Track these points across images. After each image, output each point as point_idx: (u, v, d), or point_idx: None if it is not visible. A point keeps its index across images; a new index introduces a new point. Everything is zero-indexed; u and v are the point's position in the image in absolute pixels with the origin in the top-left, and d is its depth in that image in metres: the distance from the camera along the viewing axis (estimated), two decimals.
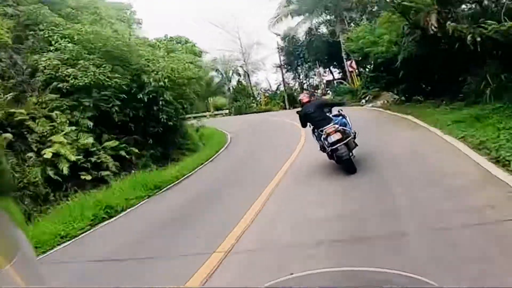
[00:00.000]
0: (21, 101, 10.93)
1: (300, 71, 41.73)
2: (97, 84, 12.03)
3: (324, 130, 7.42)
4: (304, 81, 41.83)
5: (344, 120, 7.89)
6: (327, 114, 7.91)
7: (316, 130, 7.87)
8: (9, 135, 9.63)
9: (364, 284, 0.98)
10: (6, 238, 0.63)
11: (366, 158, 8.08)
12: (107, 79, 12.21)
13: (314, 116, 7.72)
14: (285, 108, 35.48)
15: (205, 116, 33.16)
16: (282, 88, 40.61)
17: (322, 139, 7.59)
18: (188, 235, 6.05)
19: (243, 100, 39.57)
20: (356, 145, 7.85)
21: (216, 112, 41.17)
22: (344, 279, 1.01)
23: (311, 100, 8.30)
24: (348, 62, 28.21)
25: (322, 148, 7.97)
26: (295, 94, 33.48)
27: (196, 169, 12.58)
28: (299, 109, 8.38)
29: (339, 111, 8.22)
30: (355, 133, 7.89)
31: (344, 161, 7.40)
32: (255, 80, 46.60)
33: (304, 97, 8.40)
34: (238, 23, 69.04)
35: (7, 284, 0.59)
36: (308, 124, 8.04)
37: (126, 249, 6.10)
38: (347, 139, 7.37)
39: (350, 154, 7.51)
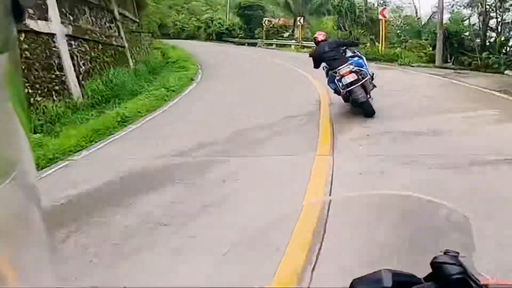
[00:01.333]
0: None
1: None
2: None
3: (338, 71, 7.11)
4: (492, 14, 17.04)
5: (360, 60, 7.54)
6: (343, 54, 7.54)
7: (330, 72, 7.51)
8: None
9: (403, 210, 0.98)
10: (9, 144, 0.55)
11: None
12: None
13: (330, 55, 7.34)
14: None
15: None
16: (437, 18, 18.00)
17: (336, 80, 7.25)
18: None
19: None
20: (374, 86, 7.53)
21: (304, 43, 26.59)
22: (383, 203, 1.01)
23: (327, 39, 7.94)
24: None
25: (337, 91, 7.64)
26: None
27: None
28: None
29: (354, 52, 7.88)
30: (373, 74, 7.56)
31: (360, 104, 7.14)
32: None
33: (319, 35, 8.00)
34: None
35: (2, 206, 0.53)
36: (322, 65, 7.71)
37: None
38: (364, 80, 7.08)
39: (368, 96, 7.22)
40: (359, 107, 7.24)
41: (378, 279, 0.67)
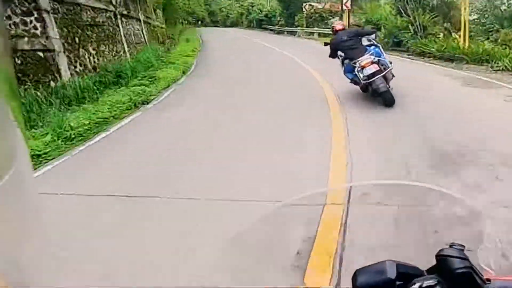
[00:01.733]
0: None
1: None
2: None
3: (358, 62, 6.97)
4: None
5: (377, 49, 7.31)
6: (360, 43, 7.33)
7: (346, 61, 7.36)
8: None
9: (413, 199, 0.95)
10: (4, 141, 0.53)
11: None
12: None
13: (348, 45, 7.20)
14: None
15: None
16: None
17: (356, 71, 7.09)
18: None
19: None
20: (393, 75, 7.34)
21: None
22: (395, 191, 0.98)
23: (345, 28, 7.85)
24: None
25: (354, 81, 7.51)
26: None
27: None
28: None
29: (370, 40, 7.53)
30: (391, 62, 7.33)
31: (381, 94, 6.96)
32: None
33: (337, 24, 7.96)
34: None
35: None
36: (339, 55, 7.56)
37: None
38: (385, 72, 6.95)
39: (388, 86, 7.04)
40: (379, 96, 7.07)
41: (382, 270, 0.66)
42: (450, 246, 0.68)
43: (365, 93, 7.59)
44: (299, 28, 30.16)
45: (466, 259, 0.65)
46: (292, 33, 30.95)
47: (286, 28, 33.14)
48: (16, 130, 0.57)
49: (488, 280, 0.66)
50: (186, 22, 46.39)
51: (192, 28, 42.59)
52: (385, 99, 6.97)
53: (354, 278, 0.68)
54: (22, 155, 0.58)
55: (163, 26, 25.61)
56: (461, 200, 0.82)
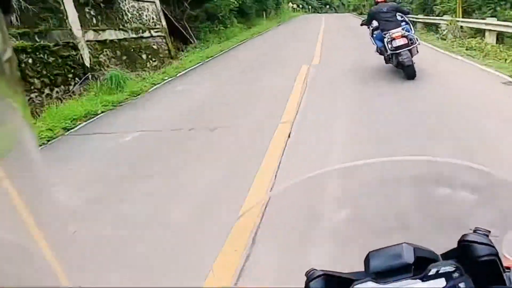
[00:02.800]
0: None
1: None
2: None
3: (389, 34, 7.47)
4: None
5: (408, 27, 7.83)
6: (396, 18, 7.85)
7: (377, 32, 7.96)
8: None
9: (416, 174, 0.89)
10: (4, 124, 0.51)
11: None
12: None
13: (385, 17, 7.77)
14: None
15: None
16: None
17: (385, 42, 7.59)
18: None
19: None
20: (417, 51, 7.79)
21: None
22: (395, 168, 0.91)
23: (386, 1, 8.32)
24: None
25: (379, 51, 8.12)
26: None
27: None
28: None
29: (403, 17, 8.02)
30: (418, 41, 7.79)
31: (405, 67, 7.48)
32: None
33: None
34: None
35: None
36: (372, 24, 8.16)
37: None
38: (412, 46, 7.44)
39: (412, 60, 7.51)
40: (402, 69, 7.62)
41: (398, 254, 0.62)
42: (474, 231, 0.62)
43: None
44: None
45: (493, 246, 0.60)
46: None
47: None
48: (17, 115, 0.54)
49: (508, 268, 0.62)
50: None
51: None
52: (408, 72, 7.49)
53: (367, 260, 0.64)
54: (25, 137, 0.56)
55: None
56: (489, 172, 0.74)
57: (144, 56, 12.26)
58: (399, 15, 7.93)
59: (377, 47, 8.18)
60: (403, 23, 7.80)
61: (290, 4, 56.83)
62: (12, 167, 0.49)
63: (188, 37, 17.02)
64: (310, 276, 0.66)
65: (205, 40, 17.84)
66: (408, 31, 7.60)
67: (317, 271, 0.66)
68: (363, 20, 8.63)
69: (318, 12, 69.16)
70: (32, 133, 0.59)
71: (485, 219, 0.72)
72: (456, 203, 0.78)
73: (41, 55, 7.89)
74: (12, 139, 0.52)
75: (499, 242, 0.63)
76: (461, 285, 0.59)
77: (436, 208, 0.82)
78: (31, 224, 0.52)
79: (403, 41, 7.35)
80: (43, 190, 0.58)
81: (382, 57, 8.19)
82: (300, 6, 66.40)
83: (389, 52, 7.57)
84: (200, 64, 12.88)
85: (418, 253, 0.62)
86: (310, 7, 72.09)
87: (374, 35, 8.10)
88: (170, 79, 10.51)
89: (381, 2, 8.13)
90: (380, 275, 0.63)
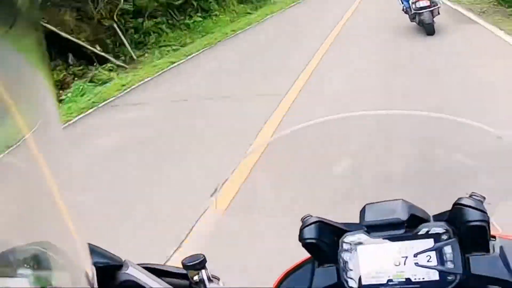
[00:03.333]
0: None
1: None
2: None
3: None
4: None
5: None
6: None
7: None
8: None
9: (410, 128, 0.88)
10: (30, 97, 0.51)
11: None
12: None
13: None
14: None
15: None
16: None
17: (409, 1, 8.51)
18: None
19: None
20: (439, 13, 8.66)
21: None
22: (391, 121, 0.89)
23: None
24: None
25: (405, 10, 9.09)
26: None
27: None
28: None
29: None
30: (441, 3, 8.69)
31: (426, 25, 8.43)
32: None
33: None
34: None
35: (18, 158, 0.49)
36: None
37: None
38: (433, 7, 8.35)
39: (433, 19, 8.46)
40: (423, 26, 8.55)
41: (392, 209, 0.64)
42: (470, 196, 0.63)
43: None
44: None
45: (484, 212, 0.61)
46: None
47: None
48: (44, 82, 0.52)
49: (493, 237, 0.63)
50: None
51: None
52: (428, 29, 8.47)
53: (362, 212, 0.65)
54: (50, 109, 0.55)
55: None
56: (495, 134, 0.72)
57: None
58: None
59: (403, 6, 9.08)
60: None
61: None
62: (34, 146, 0.51)
63: (113, 49, 9.61)
64: (305, 222, 0.68)
65: (157, 47, 10.27)
66: None
67: (312, 218, 0.68)
68: None
69: None
70: (55, 109, 0.58)
71: (485, 184, 0.72)
72: (460, 164, 0.78)
73: None
74: (35, 115, 0.51)
75: (491, 209, 0.63)
76: (447, 248, 0.60)
77: (439, 167, 0.82)
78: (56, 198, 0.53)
79: (426, 3, 8.22)
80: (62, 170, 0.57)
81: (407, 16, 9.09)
82: None
83: (413, 11, 8.51)
84: None
85: (412, 211, 0.63)
86: None
87: None
88: None
89: None
90: (373, 228, 0.64)
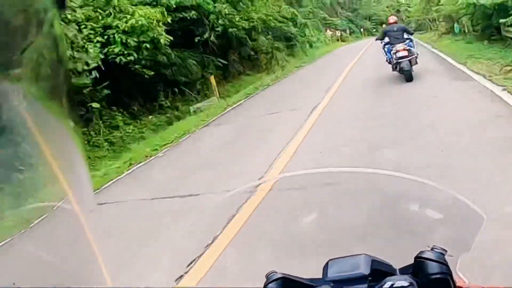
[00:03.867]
0: None
1: None
2: None
3: (395, 47, 9.65)
4: None
5: (411, 43, 10.08)
6: (403, 36, 10.09)
7: (388, 45, 10.20)
8: None
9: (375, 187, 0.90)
10: (64, 166, 0.54)
11: None
12: None
13: (394, 35, 10.04)
14: None
15: None
16: None
17: (391, 53, 9.87)
18: None
19: None
20: (416, 63, 10.00)
21: None
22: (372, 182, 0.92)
23: (397, 23, 10.92)
24: None
25: (389, 60, 10.30)
26: None
27: None
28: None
29: (408, 36, 10.32)
30: (417, 54, 10.06)
31: (405, 72, 9.60)
32: None
33: (391, 19, 11.04)
34: None
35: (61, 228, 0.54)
36: (384, 39, 10.43)
37: None
38: (411, 57, 9.64)
39: (411, 68, 9.70)
40: (403, 73, 9.68)
41: (356, 264, 0.64)
42: (432, 249, 0.64)
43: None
44: None
45: (446, 265, 0.62)
46: None
47: None
48: (77, 153, 0.57)
49: None
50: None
51: None
52: (407, 76, 9.62)
53: (326, 268, 0.66)
54: (82, 180, 0.58)
55: None
56: (462, 201, 0.76)
57: None
58: (405, 34, 10.15)
59: (387, 58, 10.36)
60: (407, 40, 9.98)
61: (328, 32, 39.46)
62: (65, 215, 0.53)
63: None
64: (269, 278, 0.67)
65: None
66: (410, 46, 9.79)
67: (277, 274, 0.67)
68: (378, 36, 11.14)
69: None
70: (87, 177, 0.60)
71: (444, 238, 0.73)
72: (419, 220, 0.80)
73: None
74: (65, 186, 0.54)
75: (454, 262, 0.64)
76: None
77: (400, 223, 0.83)
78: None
79: (405, 53, 9.51)
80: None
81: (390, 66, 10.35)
82: (348, 30, 47.10)
83: (394, 61, 9.79)
84: None
85: (375, 266, 0.64)
86: (361, 29, 53.54)
87: (386, 48, 10.33)
88: None
89: (392, 23, 10.55)
90: (337, 283, 0.64)
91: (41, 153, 0.51)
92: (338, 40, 40.49)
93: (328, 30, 37.34)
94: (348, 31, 47.02)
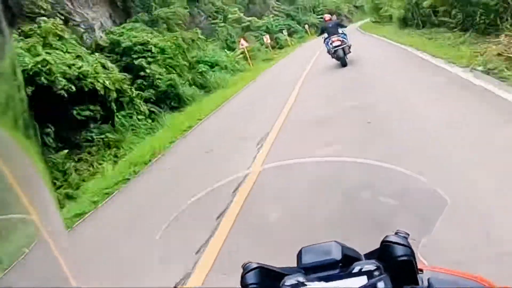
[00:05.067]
0: None
1: None
2: None
3: (331, 38, 12.03)
4: None
5: (344, 35, 12.35)
6: (337, 30, 12.43)
7: (327, 39, 12.34)
8: None
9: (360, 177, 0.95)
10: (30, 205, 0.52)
11: None
12: None
13: (331, 29, 12.42)
14: None
15: None
16: None
17: (329, 44, 12.20)
18: None
19: None
20: (350, 51, 12.50)
21: None
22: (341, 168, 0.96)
23: (331, 20, 13.51)
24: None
25: (328, 51, 12.64)
26: None
27: None
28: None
29: (342, 31, 12.61)
30: (350, 44, 12.49)
31: (340, 59, 12.15)
32: None
33: (326, 17, 14.04)
34: None
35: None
36: (323, 34, 12.83)
37: None
38: (344, 45, 12.06)
39: (345, 56, 12.22)
40: (338, 60, 12.26)
41: (328, 251, 0.67)
42: (396, 233, 0.68)
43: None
44: None
45: (410, 247, 0.66)
46: None
47: None
48: (44, 189, 0.54)
49: (421, 270, 0.68)
50: None
51: None
52: (342, 62, 12.17)
53: (299, 256, 0.68)
54: (52, 218, 0.56)
55: None
56: (421, 181, 0.79)
57: None
58: (339, 28, 12.56)
59: (327, 48, 12.63)
60: (341, 34, 12.28)
61: (267, 39, 28.31)
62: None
63: None
64: (246, 268, 0.69)
65: None
66: (344, 38, 12.10)
67: (253, 264, 0.69)
68: (318, 32, 13.81)
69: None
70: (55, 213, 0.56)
71: (407, 222, 0.77)
72: (383, 206, 0.85)
73: None
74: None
75: (416, 245, 0.69)
76: (380, 284, 0.62)
77: (364, 209, 0.88)
78: None
79: (338, 43, 11.94)
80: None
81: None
82: (285, 31, 35.09)
83: (332, 50, 12.15)
84: None
85: (345, 252, 0.67)
86: (306, 26, 40.29)
87: (326, 42, 12.58)
88: None
89: (328, 20, 13.21)
90: (310, 270, 0.67)
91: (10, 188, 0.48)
92: (271, 49, 29.09)
93: (242, 41, 22.14)
94: (285, 33, 34.72)
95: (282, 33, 34.63)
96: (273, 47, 29.94)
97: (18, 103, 0.47)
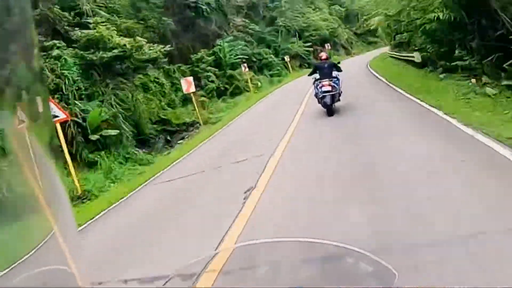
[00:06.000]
0: None
1: None
2: None
3: (322, 82, 10.45)
4: None
5: (338, 81, 10.77)
6: (331, 73, 10.71)
7: (317, 81, 10.73)
8: None
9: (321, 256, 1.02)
10: (48, 204, 0.54)
11: None
12: None
13: (325, 71, 10.76)
14: None
15: None
16: None
17: (318, 87, 10.57)
18: None
19: None
20: (339, 100, 10.87)
21: None
22: (302, 250, 1.05)
23: (328, 59, 11.59)
24: None
25: (316, 95, 10.89)
26: None
27: None
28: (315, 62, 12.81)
29: (336, 76, 10.87)
30: (341, 92, 10.87)
31: (326, 106, 10.55)
32: None
33: (323, 55, 11.71)
34: None
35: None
36: (315, 74, 10.97)
37: None
38: (334, 93, 10.44)
39: (333, 104, 10.57)
40: (325, 108, 10.62)
41: None
42: None
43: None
44: None
45: None
46: None
47: None
48: (59, 188, 0.56)
49: None
50: None
51: None
52: (328, 111, 10.58)
53: None
54: (65, 215, 0.58)
55: None
56: (372, 258, 0.87)
57: None
58: (334, 71, 10.81)
59: (315, 92, 10.91)
60: (334, 78, 10.68)
61: (245, 69, 21.70)
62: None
63: None
64: None
65: None
66: (336, 84, 10.55)
67: None
68: (310, 72, 11.37)
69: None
70: (69, 211, 0.61)
71: None
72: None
73: None
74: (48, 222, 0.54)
75: None
76: None
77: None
78: None
79: (328, 88, 10.34)
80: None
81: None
82: (245, 66, 21.94)
83: (320, 95, 10.50)
84: None
85: None
86: (285, 58, 29.08)
87: (315, 84, 10.90)
88: None
89: (324, 60, 11.26)
90: None
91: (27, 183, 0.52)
92: (204, 109, 17.55)
93: (244, 67, 18.58)
94: (245, 69, 22.34)
95: (245, 67, 22.21)
96: (203, 109, 16.77)
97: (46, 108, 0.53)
